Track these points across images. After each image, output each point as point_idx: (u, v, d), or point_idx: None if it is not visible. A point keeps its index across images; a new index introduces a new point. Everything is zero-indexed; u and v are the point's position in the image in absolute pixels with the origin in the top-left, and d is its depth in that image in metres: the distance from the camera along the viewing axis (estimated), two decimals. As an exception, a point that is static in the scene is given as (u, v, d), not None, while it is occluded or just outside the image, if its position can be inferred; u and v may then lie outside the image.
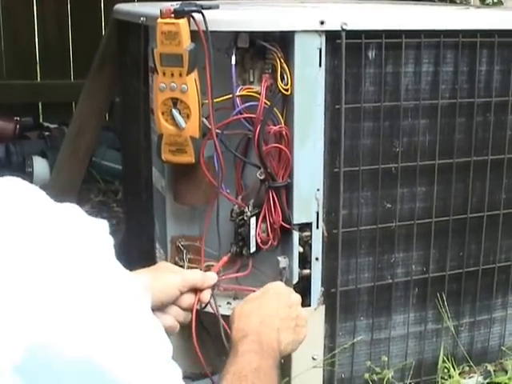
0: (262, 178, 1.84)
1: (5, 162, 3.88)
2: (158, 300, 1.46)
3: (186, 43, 1.70)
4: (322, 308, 1.96)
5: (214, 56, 1.72)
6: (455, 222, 2.07)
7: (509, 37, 2.00)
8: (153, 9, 1.89)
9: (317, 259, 1.91)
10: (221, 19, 1.76)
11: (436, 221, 2.05)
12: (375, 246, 2.00)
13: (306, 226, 1.88)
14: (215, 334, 1.65)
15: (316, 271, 1.91)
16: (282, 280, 1.84)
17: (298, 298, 1.60)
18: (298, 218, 1.86)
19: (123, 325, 0.86)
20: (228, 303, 1.89)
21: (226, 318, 1.57)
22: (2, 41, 4.72)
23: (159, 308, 1.48)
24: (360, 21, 1.85)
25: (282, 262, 1.88)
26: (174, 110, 1.75)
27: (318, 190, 1.87)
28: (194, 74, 1.73)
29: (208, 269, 1.83)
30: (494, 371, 2.22)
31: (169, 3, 1.73)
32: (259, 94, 1.77)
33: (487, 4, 3.44)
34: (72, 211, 0.89)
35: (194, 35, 1.71)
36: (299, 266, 1.89)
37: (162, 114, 1.77)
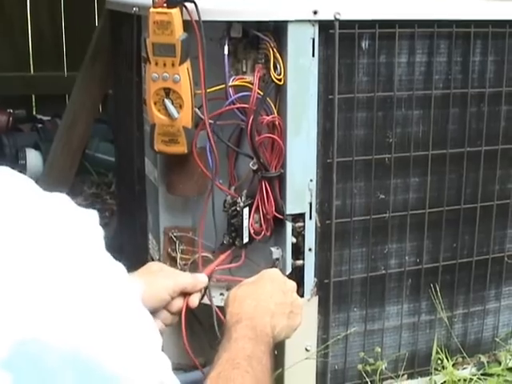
0: (254, 168, 1.84)
1: (-2, 154, 3.88)
2: (150, 306, 1.44)
3: (179, 33, 1.69)
4: (316, 299, 1.96)
5: (207, 46, 1.71)
6: (449, 212, 2.07)
7: (503, 27, 2.00)
8: (145, -1, 1.89)
9: (310, 250, 1.90)
10: (214, 9, 1.75)
11: (429, 212, 2.05)
12: (368, 236, 2.00)
13: (299, 217, 1.88)
14: (208, 325, 1.65)
15: (309, 262, 1.91)
16: (275, 270, 1.83)
17: (293, 284, 1.59)
18: (291, 208, 1.86)
19: (113, 317, 0.85)
20: (221, 294, 1.88)
21: (219, 309, 1.57)
22: (-6, 33, 4.72)
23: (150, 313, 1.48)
24: (353, 11, 1.84)
25: (275, 252, 1.88)
26: (166, 100, 1.74)
27: (311, 180, 1.87)
28: (187, 64, 1.72)
29: (204, 260, 1.83)
30: (488, 362, 2.22)
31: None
32: (252, 84, 1.76)
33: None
34: (61, 201, 0.88)
35: (187, 25, 1.70)
36: (292, 257, 1.89)
37: (155, 104, 1.76)
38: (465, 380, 2.14)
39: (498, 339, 2.25)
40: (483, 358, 2.22)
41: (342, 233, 1.97)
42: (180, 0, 1.69)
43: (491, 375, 2.19)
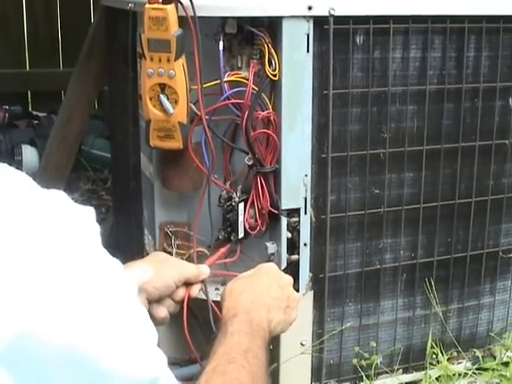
0: (249, 163, 1.84)
1: (-6, 150, 3.87)
2: (158, 293, 1.50)
3: (174, 29, 1.70)
4: (311, 293, 1.97)
5: (202, 42, 1.71)
6: (443, 207, 2.08)
7: (497, 22, 2.00)
8: (141, -6, 1.89)
9: (305, 245, 1.91)
10: (209, 5, 1.75)
11: (424, 206, 2.05)
12: (363, 231, 2.00)
13: (294, 212, 1.88)
14: (204, 320, 1.66)
15: (304, 257, 1.92)
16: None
17: (289, 279, 1.60)
18: (286, 203, 1.86)
19: (109, 313, 0.85)
20: (216, 289, 1.88)
21: (215, 303, 1.58)
22: (-10, 30, 4.71)
23: (157, 300, 1.51)
24: (348, 6, 1.84)
25: (271, 247, 1.89)
26: (161, 96, 1.75)
27: (306, 175, 1.87)
28: (182, 60, 1.72)
29: (199, 255, 1.84)
30: (483, 357, 2.23)
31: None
32: (247, 79, 1.77)
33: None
34: (58, 198, 0.88)
35: (182, 21, 1.71)
36: (287, 252, 1.89)
37: (150, 99, 1.77)
38: (459, 374, 2.14)
39: (492, 334, 2.25)
40: (478, 353, 2.22)
41: (337, 228, 1.97)
42: (175, -4, 1.70)
43: (486, 370, 2.20)
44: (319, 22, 1.80)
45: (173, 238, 1.95)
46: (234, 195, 1.86)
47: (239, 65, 1.80)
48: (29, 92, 4.80)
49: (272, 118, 1.80)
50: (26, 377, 0.79)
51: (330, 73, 1.84)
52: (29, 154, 3.79)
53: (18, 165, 3.67)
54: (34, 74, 4.74)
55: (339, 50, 1.85)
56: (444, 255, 2.12)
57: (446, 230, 2.11)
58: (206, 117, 1.78)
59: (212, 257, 1.82)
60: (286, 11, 1.75)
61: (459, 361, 2.21)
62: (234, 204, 1.85)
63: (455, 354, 2.21)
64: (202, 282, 1.62)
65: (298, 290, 1.90)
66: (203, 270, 1.64)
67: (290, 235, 1.89)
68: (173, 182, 1.90)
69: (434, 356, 2.15)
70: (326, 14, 1.79)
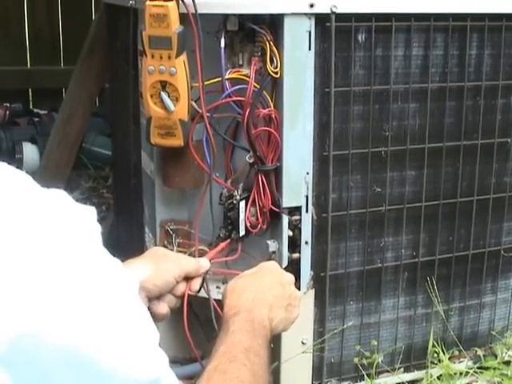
0: (251, 161, 1.84)
1: (-6, 148, 3.87)
2: (158, 290, 1.49)
3: (175, 26, 1.69)
4: (312, 292, 1.96)
5: (203, 39, 1.71)
6: (445, 206, 2.07)
7: (499, 21, 1.99)
8: (142, -9, 1.88)
9: (306, 243, 1.90)
10: (210, 2, 1.75)
11: (426, 205, 2.05)
12: (365, 229, 2.00)
13: (295, 210, 1.88)
14: (204, 318, 1.65)
15: (305, 255, 1.91)
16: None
17: (291, 277, 1.59)
18: (288, 201, 1.86)
19: (110, 313, 0.85)
20: (217, 287, 1.88)
21: (217, 301, 1.57)
22: (-9, 27, 4.71)
23: (157, 296, 1.50)
24: (350, 4, 1.83)
25: (272, 245, 1.88)
26: (162, 93, 1.74)
27: (308, 173, 1.87)
28: (183, 57, 1.72)
29: (200, 253, 1.83)
30: (484, 356, 2.22)
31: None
32: (248, 77, 1.76)
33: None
34: (59, 197, 0.87)
35: (183, 18, 1.70)
36: (289, 250, 1.89)
37: (151, 96, 1.76)
38: (461, 373, 2.14)
39: (494, 332, 2.25)
40: (479, 352, 2.22)
41: (339, 226, 1.97)
42: (176, -7, 1.69)
43: (487, 368, 2.19)
44: (321, 20, 1.79)
45: (173, 236, 1.95)
46: (235, 193, 1.85)
47: (240, 62, 1.80)
48: (30, 89, 4.80)
49: (273, 116, 1.80)
50: (26, 377, 0.78)
51: (332, 70, 1.83)
52: (29, 151, 3.79)
53: (19, 162, 3.68)
54: (35, 71, 4.74)
55: (341, 47, 1.84)
56: (446, 254, 2.12)
57: (448, 228, 2.10)
58: (207, 114, 1.77)
59: (212, 251, 1.81)
60: (287, 8, 1.74)
61: (460, 360, 2.21)
62: (235, 202, 1.84)
63: (456, 352, 2.21)
64: (203, 277, 1.61)
65: (299, 289, 1.89)
66: (203, 264, 1.62)
67: (291, 233, 1.88)
68: (174, 179, 1.89)
69: (436, 355, 2.14)
70: (328, 11, 1.78)
